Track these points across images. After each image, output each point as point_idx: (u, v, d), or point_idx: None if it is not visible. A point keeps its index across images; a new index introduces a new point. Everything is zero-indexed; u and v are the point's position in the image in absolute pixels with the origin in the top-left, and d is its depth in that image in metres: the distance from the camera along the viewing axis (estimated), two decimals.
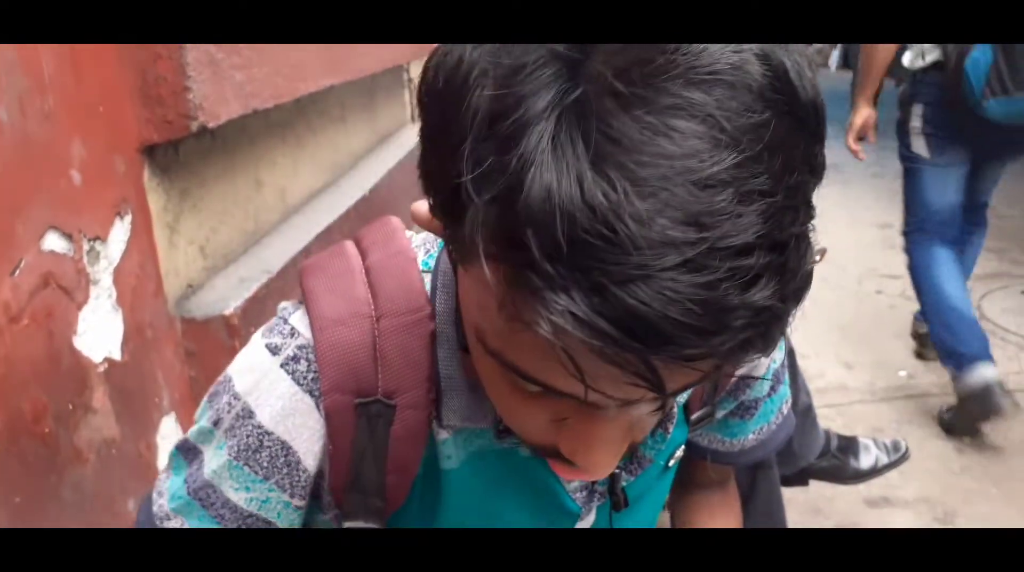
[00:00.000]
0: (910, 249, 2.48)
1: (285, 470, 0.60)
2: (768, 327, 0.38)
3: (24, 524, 0.85)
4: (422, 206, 0.50)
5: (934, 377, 2.66)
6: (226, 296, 1.21)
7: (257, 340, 0.61)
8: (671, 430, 0.67)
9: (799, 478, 1.74)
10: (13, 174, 0.85)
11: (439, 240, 0.63)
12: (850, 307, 3.26)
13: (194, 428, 0.63)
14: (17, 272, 0.85)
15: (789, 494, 1.60)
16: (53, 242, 0.91)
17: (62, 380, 0.92)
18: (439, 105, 0.42)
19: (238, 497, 0.61)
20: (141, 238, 1.08)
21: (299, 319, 0.60)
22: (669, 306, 0.35)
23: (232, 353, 1.18)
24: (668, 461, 0.73)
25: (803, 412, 1.59)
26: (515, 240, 0.36)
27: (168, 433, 1.14)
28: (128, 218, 1.06)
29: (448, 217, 0.42)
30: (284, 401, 0.58)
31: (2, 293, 0.83)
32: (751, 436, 0.79)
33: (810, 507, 2.04)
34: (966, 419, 2.27)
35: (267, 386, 0.59)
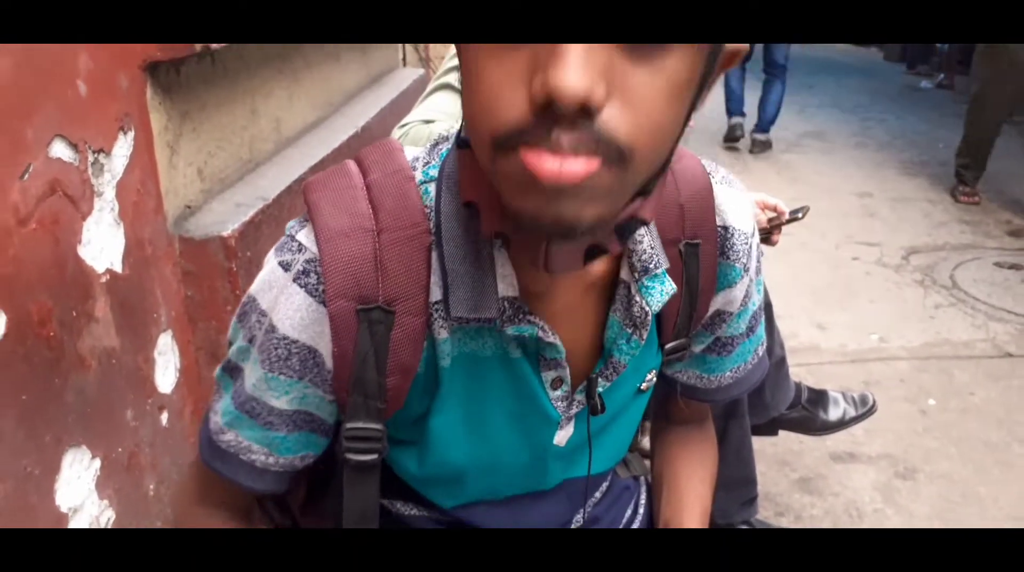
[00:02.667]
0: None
1: (316, 370, 0.65)
2: None
3: (31, 422, 0.88)
4: None
5: (904, 341, 2.74)
6: (223, 219, 1.23)
7: (271, 258, 0.66)
8: (644, 337, 0.70)
9: (769, 428, 1.79)
10: (24, 79, 0.86)
11: (440, 150, 0.67)
12: (826, 272, 3.33)
13: (233, 348, 0.69)
14: (26, 176, 0.86)
15: (758, 446, 1.65)
16: (60, 150, 0.92)
17: (67, 287, 0.93)
18: None
19: (280, 402, 0.67)
20: (143, 155, 1.09)
21: (306, 235, 0.64)
22: None
23: (228, 275, 1.21)
24: (641, 384, 0.77)
25: (776, 364, 1.64)
26: None
27: (165, 349, 1.16)
28: (131, 134, 1.06)
29: None
30: (302, 312, 0.63)
31: (12, 196, 0.84)
32: (728, 373, 0.83)
33: (778, 459, 2.11)
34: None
35: (285, 300, 0.63)
